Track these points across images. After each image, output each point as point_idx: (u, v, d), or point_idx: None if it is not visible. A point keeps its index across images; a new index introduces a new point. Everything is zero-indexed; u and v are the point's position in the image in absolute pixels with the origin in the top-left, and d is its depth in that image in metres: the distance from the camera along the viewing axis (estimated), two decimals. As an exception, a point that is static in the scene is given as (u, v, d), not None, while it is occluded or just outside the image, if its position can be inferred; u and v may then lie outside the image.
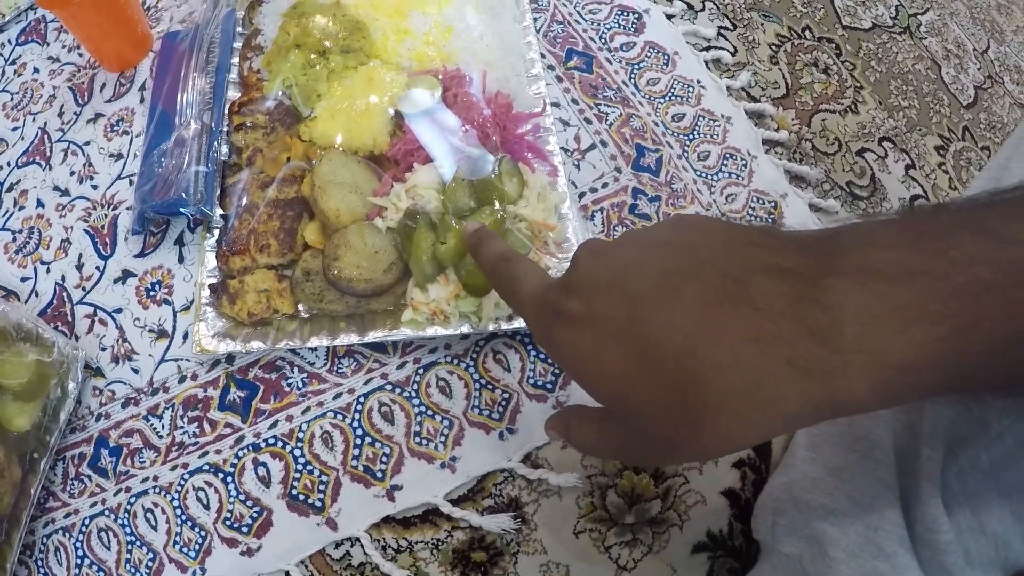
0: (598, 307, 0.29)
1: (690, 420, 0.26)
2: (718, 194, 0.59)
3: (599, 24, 0.67)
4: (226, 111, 0.60)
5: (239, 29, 0.65)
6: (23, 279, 0.62)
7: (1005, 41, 0.78)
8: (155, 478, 0.53)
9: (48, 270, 0.62)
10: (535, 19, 0.66)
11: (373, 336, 0.52)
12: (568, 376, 0.32)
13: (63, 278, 0.61)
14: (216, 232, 0.57)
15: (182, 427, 0.54)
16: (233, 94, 0.62)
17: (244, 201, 0.56)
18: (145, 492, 0.53)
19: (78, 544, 0.53)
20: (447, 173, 0.53)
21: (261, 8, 0.63)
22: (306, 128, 0.56)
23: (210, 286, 0.55)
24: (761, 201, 0.59)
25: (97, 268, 0.61)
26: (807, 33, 0.70)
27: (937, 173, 0.65)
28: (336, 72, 0.57)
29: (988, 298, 0.22)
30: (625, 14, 0.67)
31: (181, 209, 0.56)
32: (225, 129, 0.60)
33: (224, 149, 0.60)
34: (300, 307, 0.54)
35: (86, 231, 0.63)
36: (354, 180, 0.54)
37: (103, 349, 0.58)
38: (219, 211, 0.57)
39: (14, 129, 0.70)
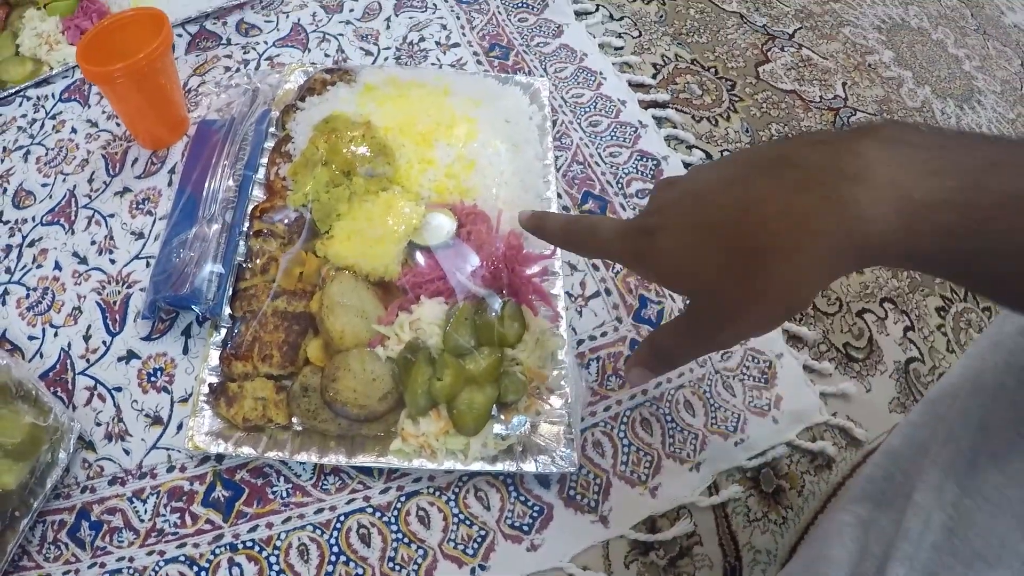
0: (673, 214, 0.34)
1: (754, 272, 0.30)
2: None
3: (618, 168, 0.68)
4: (248, 211, 0.62)
5: (272, 130, 0.67)
6: (30, 337, 0.63)
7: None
8: (131, 559, 0.54)
9: (56, 334, 0.63)
10: (557, 156, 0.68)
11: (360, 460, 0.53)
12: (660, 284, 0.38)
13: (69, 345, 0.63)
14: (223, 331, 0.59)
15: (164, 515, 0.55)
16: (258, 194, 0.64)
17: (253, 308, 0.57)
18: (119, 571, 0.54)
19: (45, 610, 0.53)
20: (452, 309, 0.55)
21: (295, 115, 0.65)
22: (322, 245, 0.58)
23: (209, 385, 0.57)
24: (756, 360, 0.60)
25: (103, 343, 0.62)
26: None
27: (936, 335, 0.66)
28: (358, 194, 0.58)
29: (995, 169, 0.27)
30: (644, 159, 0.68)
31: (192, 306, 0.58)
32: (244, 230, 0.62)
33: (241, 249, 0.62)
34: (294, 420, 0.55)
35: (98, 303, 0.64)
36: (361, 305, 0.55)
37: (98, 424, 0.59)
38: (228, 310, 0.59)
39: (44, 185, 0.71)
